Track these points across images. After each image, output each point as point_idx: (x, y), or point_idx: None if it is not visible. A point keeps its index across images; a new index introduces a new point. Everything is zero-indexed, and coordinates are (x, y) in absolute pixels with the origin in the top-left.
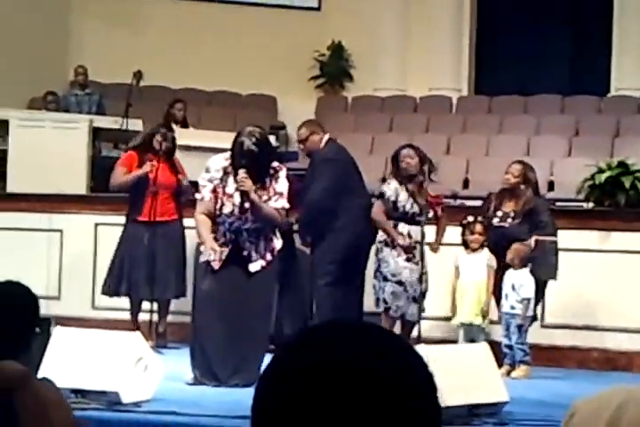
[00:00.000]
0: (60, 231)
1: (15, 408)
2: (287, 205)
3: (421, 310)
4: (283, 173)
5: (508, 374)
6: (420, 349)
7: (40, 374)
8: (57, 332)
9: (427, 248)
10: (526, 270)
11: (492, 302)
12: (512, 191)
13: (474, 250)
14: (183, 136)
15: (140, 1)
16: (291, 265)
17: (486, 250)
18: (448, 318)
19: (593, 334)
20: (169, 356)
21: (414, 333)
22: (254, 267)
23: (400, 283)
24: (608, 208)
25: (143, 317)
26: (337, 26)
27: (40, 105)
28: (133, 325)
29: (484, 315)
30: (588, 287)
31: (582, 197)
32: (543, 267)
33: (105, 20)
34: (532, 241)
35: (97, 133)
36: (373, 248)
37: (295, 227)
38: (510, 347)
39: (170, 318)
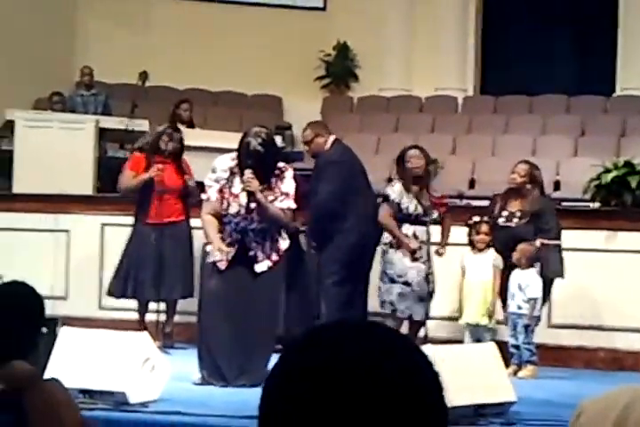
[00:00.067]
0: (67, 232)
1: (24, 408)
2: (293, 206)
3: (428, 310)
4: (289, 174)
5: (515, 374)
6: (427, 349)
7: (47, 375)
8: (64, 332)
9: (433, 248)
10: (533, 270)
11: (498, 302)
12: (518, 191)
13: (480, 250)
14: (189, 136)
15: (145, 1)
16: (297, 265)
17: (492, 250)
18: (454, 318)
19: (600, 334)
20: (176, 356)
21: (421, 333)
22: (260, 267)
23: (407, 283)
24: (614, 208)
25: (150, 317)
26: (342, 26)
27: (46, 105)
28: (140, 325)
29: (491, 315)
30: (595, 287)
31: (588, 197)
32: (550, 266)
33: (111, 21)
34: (538, 242)
35: (103, 134)
36: (379, 250)
37: (303, 228)
38: (517, 347)
39: (177, 318)
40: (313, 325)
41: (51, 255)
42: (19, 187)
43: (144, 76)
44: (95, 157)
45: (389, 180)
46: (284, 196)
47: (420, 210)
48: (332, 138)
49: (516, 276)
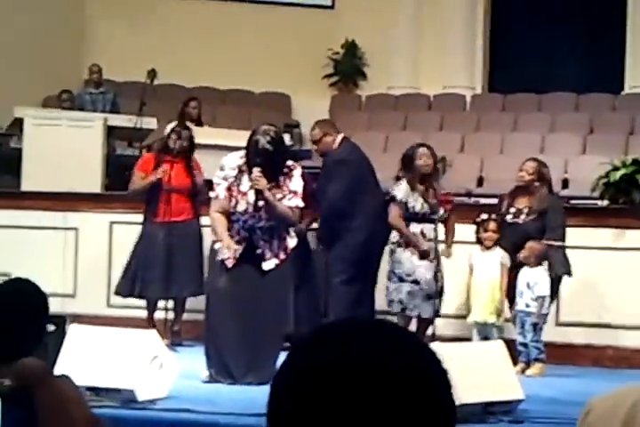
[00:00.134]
0: (76, 230)
1: (35, 405)
2: (301, 204)
3: (438, 308)
4: (297, 172)
5: (523, 371)
6: (435, 346)
7: (56, 372)
8: (72, 330)
9: (441, 246)
10: (541, 268)
11: (506, 300)
12: (526, 189)
13: (488, 248)
14: (198, 134)
15: (154, 0)
16: (305, 264)
17: (500, 248)
18: (462, 316)
19: (608, 332)
20: (184, 354)
21: (429, 331)
22: (267, 265)
23: (416, 282)
24: (623, 206)
25: (158, 315)
26: (350, 24)
27: (55, 104)
28: (149, 323)
29: (499, 313)
30: (603, 285)
31: (597, 195)
32: (557, 264)
33: (119, 19)
34: (543, 242)
35: (111, 132)
36: (387, 249)
37: (312, 226)
38: (525, 345)
39: (185, 316)
40: (320, 323)
41: (59, 253)
42: (27, 185)
43: (152, 74)
44: (104, 154)
45: (397, 178)
46: (292, 194)
47: (426, 208)
48: (340, 136)
49: (525, 274)
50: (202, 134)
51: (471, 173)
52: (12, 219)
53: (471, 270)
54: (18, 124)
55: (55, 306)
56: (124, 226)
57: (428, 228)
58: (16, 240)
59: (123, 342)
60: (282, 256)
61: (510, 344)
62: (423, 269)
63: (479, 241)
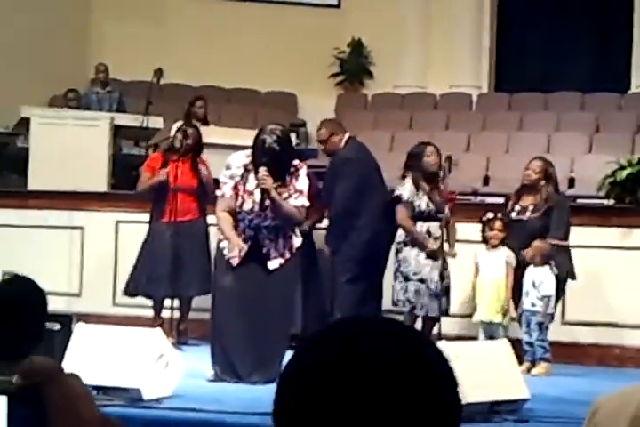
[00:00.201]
0: (81, 229)
1: (44, 402)
2: (307, 203)
3: (447, 305)
4: (303, 171)
5: (529, 371)
6: (441, 345)
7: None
8: (78, 329)
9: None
10: (547, 268)
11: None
12: (532, 188)
13: (493, 246)
14: (204, 134)
15: None
16: (310, 263)
17: (505, 247)
18: (468, 315)
19: (613, 331)
20: (189, 353)
21: (435, 329)
22: (273, 264)
23: (422, 280)
24: (629, 205)
25: (164, 314)
26: (356, 23)
27: (61, 103)
28: (155, 322)
29: (504, 312)
30: (609, 284)
31: (603, 194)
32: (561, 266)
33: (125, 18)
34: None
35: (117, 131)
36: (393, 248)
37: (322, 224)
38: (531, 344)
39: (191, 314)
40: (326, 322)
41: (65, 252)
42: (34, 184)
43: (159, 73)
44: (110, 154)
45: (403, 176)
46: (298, 193)
47: (431, 206)
48: (346, 136)
49: (531, 273)
50: (207, 133)
51: (477, 172)
52: (19, 218)
53: (477, 270)
54: (24, 123)
55: (61, 305)
56: (130, 225)
57: (433, 226)
58: (22, 239)
59: (128, 341)
60: (287, 255)
61: (516, 343)
62: (429, 268)
63: (485, 240)
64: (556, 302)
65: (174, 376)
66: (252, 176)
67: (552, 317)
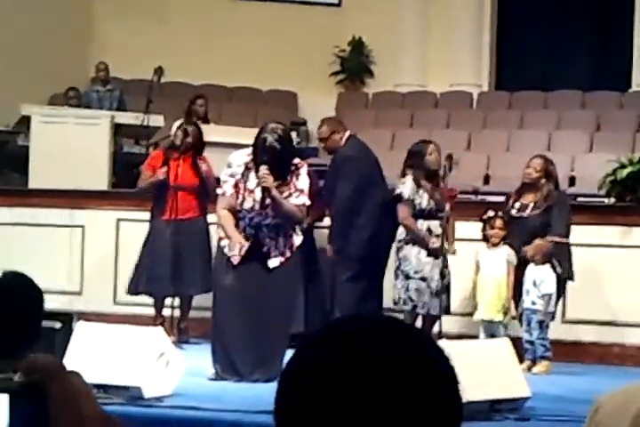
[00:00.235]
0: (82, 227)
1: (46, 400)
2: (308, 202)
3: (447, 303)
4: (304, 170)
5: (529, 369)
6: (442, 344)
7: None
8: (79, 327)
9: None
10: (547, 266)
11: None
12: (532, 186)
13: (494, 245)
14: (205, 132)
15: None
16: (311, 262)
17: (506, 246)
18: (469, 314)
19: (614, 330)
20: (190, 351)
21: (435, 328)
22: (273, 263)
23: (423, 279)
24: (629, 204)
25: (165, 312)
26: (357, 22)
27: (61, 101)
28: (156, 320)
29: (505, 311)
30: (609, 283)
31: (603, 193)
32: (562, 265)
33: (126, 17)
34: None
35: (118, 129)
36: (394, 247)
37: (324, 223)
38: (531, 342)
39: (192, 313)
40: (327, 320)
41: (66, 251)
42: (34, 182)
43: (159, 71)
44: (110, 152)
45: (403, 174)
46: (298, 192)
47: (432, 204)
48: (347, 134)
49: (531, 272)
50: (208, 132)
51: (478, 170)
52: (19, 216)
53: (477, 268)
54: (25, 121)
55: (62, 303)
56: (130, 223)
57: (434, 224)
58: (23, 238)
59: (129, 339)
60: (287, 254)
61: (516, 342)
62: (430, 266)
63: (485, 238)
64: (557, 300)
65: (175, 375)
66: (252, 175)
67: (553, 315)
